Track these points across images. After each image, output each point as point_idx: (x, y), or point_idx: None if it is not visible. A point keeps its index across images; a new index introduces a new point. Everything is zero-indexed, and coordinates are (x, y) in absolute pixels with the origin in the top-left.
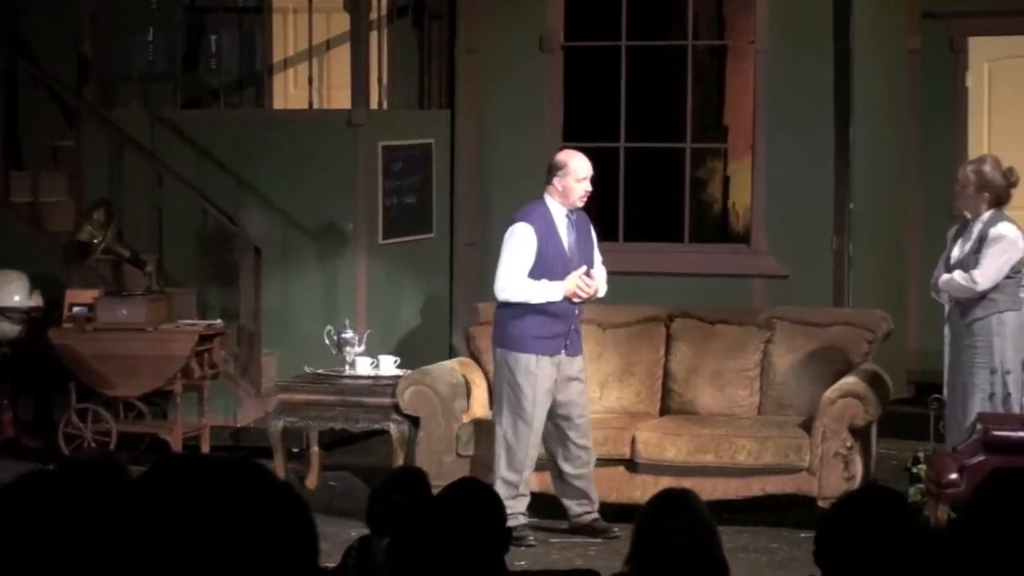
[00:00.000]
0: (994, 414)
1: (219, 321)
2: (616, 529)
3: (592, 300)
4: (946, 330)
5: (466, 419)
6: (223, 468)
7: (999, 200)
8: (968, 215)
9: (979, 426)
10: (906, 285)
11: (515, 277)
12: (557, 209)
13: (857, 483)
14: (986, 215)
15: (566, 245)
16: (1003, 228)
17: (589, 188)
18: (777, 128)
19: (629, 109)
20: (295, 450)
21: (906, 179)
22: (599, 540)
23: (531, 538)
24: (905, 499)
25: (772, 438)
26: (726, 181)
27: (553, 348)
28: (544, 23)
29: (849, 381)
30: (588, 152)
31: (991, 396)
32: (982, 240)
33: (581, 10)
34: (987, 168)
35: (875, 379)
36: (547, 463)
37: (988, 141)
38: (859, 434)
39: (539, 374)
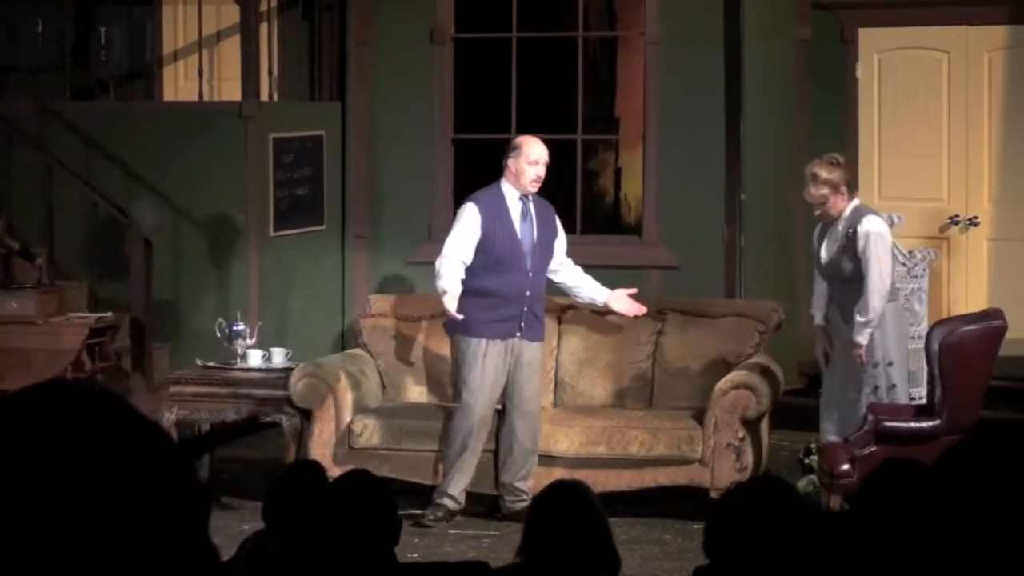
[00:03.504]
0: (884, 405)
1: (110, 314)
2: (516, 510)
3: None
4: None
5: (358, 411)
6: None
7: (852, 186)
8: (833, 216)
9: (870, 417)
10: (797, 276)
11: (448, 257)
12: (510, 192)
13: (749, 474)
14: (848, 210)
15: (517, 229)
16: (869, 224)
17: (541, 173)
18: (668, 119)
19: (520, 101)
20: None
21: (797, 170)
22: (493, 532)
23: (430, 517)
24: (794, 489)
25: (664, 429)
26: (618, 172)
27: (504, 332)
28: (435, 15)
29: (741, 372)
30: (479, 144)
31: (875, 389)
32: (850, 238)
33: (472, 1)
34: (825, 173)
35: (767, 370)
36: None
37: (878, 132)
38: (751, 425)
39: (486, 360)
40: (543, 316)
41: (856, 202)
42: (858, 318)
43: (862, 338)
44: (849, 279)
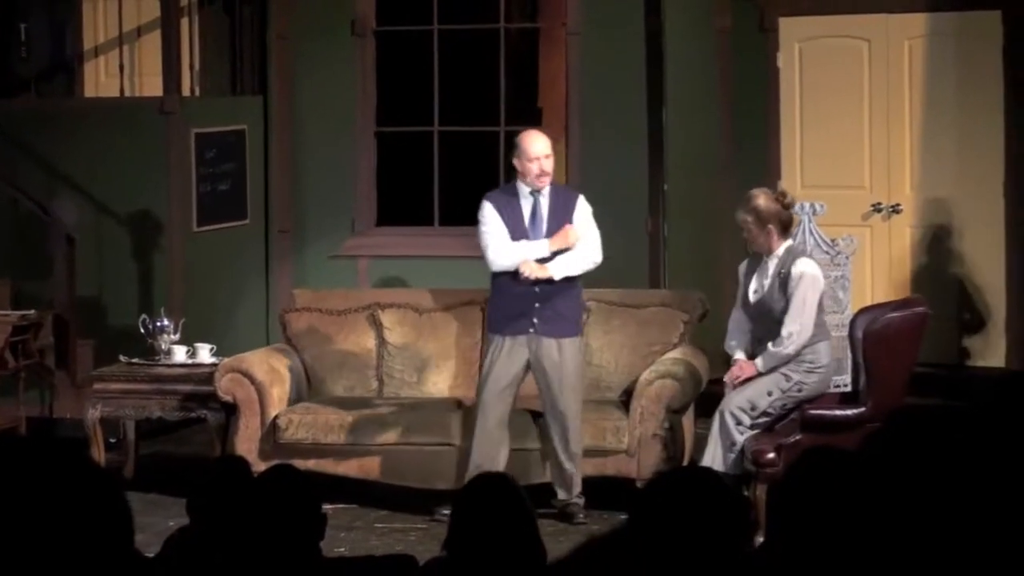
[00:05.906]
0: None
1: (33, 311)
2: (582, 516)
3: (545, 281)
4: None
5: (284, 406)
6: (38, 448)
7: (785, 227)
8: (763, 252)
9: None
10: (721, 265)
11: (498, 246)
12: (523, 189)
13: (676, 464)
14: (780, 250)
15: (526, 222)
16: (803, 265)
17: (545, 167)
18: (590, 110)
19: (442, 93)
20: (112, 440)
21: (719, 159)
22: (420, 525)
23: None
24: (718, 476)
25: (590, 420)
26: None
27: (516, 329)
28: (355, 8)
29: (666, 362)
30: (401, 136)
31: (769, 392)
32: (783, 279)
33: None
34: (760, 202)
35: (692, 360)
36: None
37: (800, 120)
38: (676, 415)
39: (498, 354)
40: (571, 312)
41: (789, 242)
42: (770, 347)
43: (762, 365)
44: (780, 320)
